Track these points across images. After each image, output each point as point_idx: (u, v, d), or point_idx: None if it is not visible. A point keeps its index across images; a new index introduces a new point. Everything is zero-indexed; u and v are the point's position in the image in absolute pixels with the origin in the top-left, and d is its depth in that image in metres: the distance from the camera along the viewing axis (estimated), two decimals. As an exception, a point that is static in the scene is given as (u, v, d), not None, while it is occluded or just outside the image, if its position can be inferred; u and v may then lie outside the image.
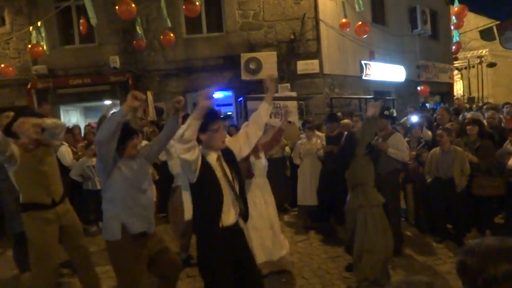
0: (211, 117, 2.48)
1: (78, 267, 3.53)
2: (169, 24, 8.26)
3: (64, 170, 5.20)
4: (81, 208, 5.51)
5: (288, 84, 9.76)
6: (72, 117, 10.92)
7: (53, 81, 9.79)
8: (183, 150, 2.32)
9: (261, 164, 4.15)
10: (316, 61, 9.95)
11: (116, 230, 2.83)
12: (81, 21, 8.15)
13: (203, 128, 2.44)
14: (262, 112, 2.86)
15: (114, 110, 10.56)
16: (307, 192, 6.00)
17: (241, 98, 9.07)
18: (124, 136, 2.82)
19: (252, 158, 4.06)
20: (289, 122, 7.69)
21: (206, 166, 2.45)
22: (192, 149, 2.34)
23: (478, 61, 19.85)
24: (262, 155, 4.21)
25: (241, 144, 2.73)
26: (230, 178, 2.54)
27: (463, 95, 20.63)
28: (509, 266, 0.95)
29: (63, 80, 9.89)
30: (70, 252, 3.51)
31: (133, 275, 2.87)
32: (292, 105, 9.28)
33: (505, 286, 0.95)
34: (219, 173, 2.49)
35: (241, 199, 2.60)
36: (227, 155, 2.62)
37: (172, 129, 2.94)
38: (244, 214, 2.65)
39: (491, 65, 19.81)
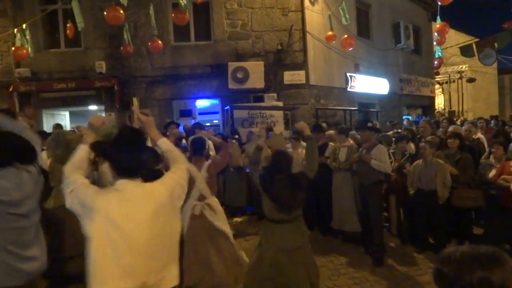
0: None
1: None
2: (156, 32, 8.28)
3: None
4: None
5: (275, 94, 9.86)
6: (60, 122, 10.69)
7: (36, 85, 9.61)
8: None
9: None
10: (302, 72, 10.09)
11: None
12: (68, 25, 8.07)
13: None
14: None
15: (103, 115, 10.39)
16: (291, 202, 6.03)
17: (227, 107, 9.11)
18: None
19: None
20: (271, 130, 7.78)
21: None
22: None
23: (458, 76, 20.51)
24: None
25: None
26: None
27: (444, 109, 21.22)
28: (483, 272, 0.99)
29: (47, 84, 9.71)
30: None
31: None
32: (278, 114, 9.39)
33: None
34: None
35: None
36: None
37: None
38: None
39: (471, 80, 20.49)
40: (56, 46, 10.23)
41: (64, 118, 11.02)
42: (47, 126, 9.73)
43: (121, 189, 1.85)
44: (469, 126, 6.40)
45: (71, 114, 11.24)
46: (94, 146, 2.01)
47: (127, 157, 1.86)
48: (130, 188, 1.86)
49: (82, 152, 1.99)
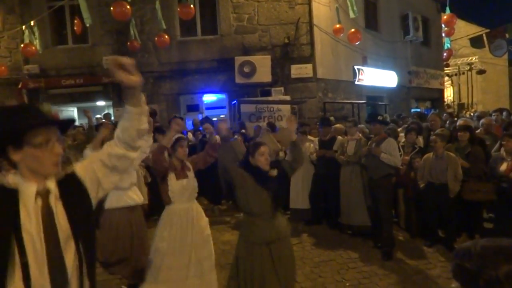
0: (27, 121, 1.38)
1: None
2: (164, 26, 8.27)
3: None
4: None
5: (282, 88, 9.82)
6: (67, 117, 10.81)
7: (44, 81, 9.70)
8: None
9: (188, 185, 3.36)
10: (309, 66, 10.02)
11: None
12: (75, 21, 8.11)
13: (16, 142, 1.36)
14: (134, 122, 1.54)
15: (107, 112, 10.42)
16: (299, 196, 6.05)
17: (234, 101, 9.10)
18: None
19: (171, 179, 3.30)
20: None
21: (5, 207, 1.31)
22: None
23: (468, 68, 20.17)
24: (190, 173, 3.41)
25: (98, 175, 1.53)
26: (62, 230, 1.39)
27: (453, 101, 20.95)
28: (509, 266, 0.98)
29: (55, 80, 9.79)
30: None
31: None
32: (286, 108, 9.35)
33: (508, 286, 0.97)
34: (31, 222, 1.33)
35: (88, 272, 1.44)
36: (71, 188, 1.47)
37: None
38: None
39: (481, 72, 20.17)
40: (64, 42, 10.29)
41: (72, 114, 11.13)
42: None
43: None
44: (489, 119, 6.33)
45: (79, 110, 11.33)
46: None
47: None
48: None
49: None
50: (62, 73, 9.93)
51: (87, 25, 7.22)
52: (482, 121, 6.33)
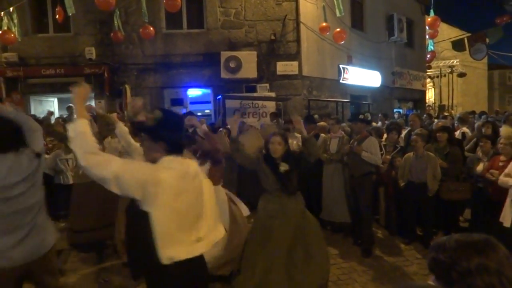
0: None
1: None
2: (147, 19, 8.14)
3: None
4: (51, 202, 5.32)
5: (267, 85, 9.82)
6: (48, 108, 10.50)
7: (23, 70, 9.41)
8: None
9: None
10: (295, 63, 10.05)
11: None
12: (57, 9, 7.88)
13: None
14: None
15: (88, 103, 10.23)
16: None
17: (219, 96, 9.05)
18: None
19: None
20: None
21: None
22: None
23: (450, 70, 20.63)
24: None
25: None
26: None
27: (434, 103, 21.41)
28: (480, 259, 1.03)
29: (35, 70, 9.52)
30: None
31: None
32: (271, 105, 9.36)
33: (479, 277, 1.02)
34: None
35: None
36: None
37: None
38: None
39: (461, 75, 20.65)
40: (45, 30, 10.00)
41: (52, 105, 10.84)
42: (35, 112, 9.56)
43: (174, 166, 1.95)
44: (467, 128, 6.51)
45: (59, 100, 11.06)
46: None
47: (179, 136, 2.08)
48: (181, 163, 2.01)
49: (90, 133, 1.84)
50: (42, 62, 9.66)
51: (69, 14, 7.03)
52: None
